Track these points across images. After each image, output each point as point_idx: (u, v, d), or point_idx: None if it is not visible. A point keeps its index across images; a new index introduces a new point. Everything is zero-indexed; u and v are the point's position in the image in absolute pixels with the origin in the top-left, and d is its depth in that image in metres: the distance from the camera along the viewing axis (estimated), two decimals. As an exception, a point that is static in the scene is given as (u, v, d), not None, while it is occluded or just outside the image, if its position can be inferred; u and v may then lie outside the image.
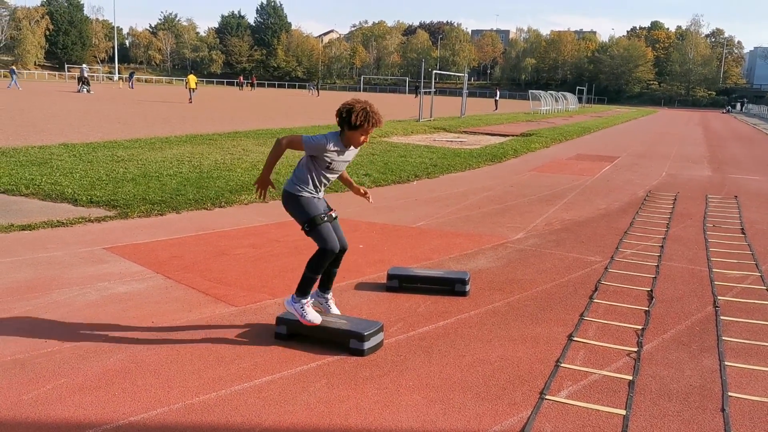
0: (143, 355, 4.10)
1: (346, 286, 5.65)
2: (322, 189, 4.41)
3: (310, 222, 4.26)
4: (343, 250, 4.49)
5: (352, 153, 4.39)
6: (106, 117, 23.89)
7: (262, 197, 4.42)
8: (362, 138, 4.25)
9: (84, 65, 56.16)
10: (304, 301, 4.34)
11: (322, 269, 4.33)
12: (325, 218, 4.28)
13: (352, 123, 4.15)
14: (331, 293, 4.67)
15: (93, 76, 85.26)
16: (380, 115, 4.26)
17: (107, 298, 5.12)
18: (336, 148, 4.23)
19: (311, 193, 4.32)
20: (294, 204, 4.32)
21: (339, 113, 4.21)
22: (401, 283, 5.57)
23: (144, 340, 4.32)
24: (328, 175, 4.34)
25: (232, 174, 11.26)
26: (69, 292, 5.22)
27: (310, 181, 4.30)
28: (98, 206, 8.32)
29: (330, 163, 4.26)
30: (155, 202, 8.59)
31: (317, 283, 4.53)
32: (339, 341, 4.30)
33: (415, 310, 5.15)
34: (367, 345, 4.22)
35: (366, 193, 4.75)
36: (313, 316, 4.32)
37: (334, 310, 4.66)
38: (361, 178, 11.52)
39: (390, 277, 5.60)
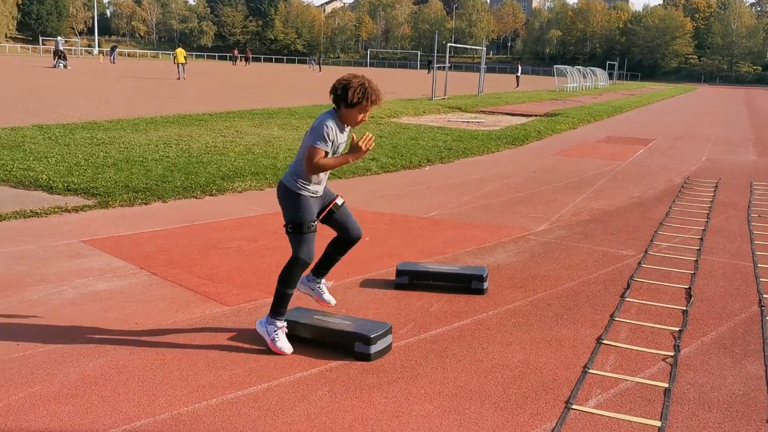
0: (126, 359, 4.10)
1: (350, 283, 5.64)
2: (324, 181, 4.38)
3: (296, 226, 4.23)
4: (356, 238, 4.52)
5: (347, 132, 4.37)
6: (85, 95, 23.93)
7: (370, 144, 4.16)
8: (360, 116, 4.21)
9: (59, 37, 56.03)
10: (279, 324, 4.30)
11: (295, 282, 4.29)
12: (313, 227, 4.26)
13: (348, 100, 4.11)
14: (324, 279, 4.66)
15: (70, 49, 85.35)
16: (379, 91, 4.22)
17: (86, 296, 5.13)
18: (337, 129, 4.21)
19: (312, 193, 4.28)
20: (289, 200, 4.26)
21: (334, 90, 4.17)
22: (412, 280, 5.56)
23: (126, 344, 4.33)
24: None
25: (225, 158, 11.26)
26: (43, 289, 5.23)
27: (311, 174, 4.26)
28: (76, 194, 8.34)
29: (336, 148, 4.24)
30: (139, 190, 8.60)
31: (311, 267, 4.48)
32: (343, 344, 4.29)
33: (427, 309, 5.14)
34: (373, 349, 4.21)
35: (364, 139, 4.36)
36: (284, 345, 4.27)
37: (328, 297, 4.65)
38: (368, 163, 11.50)
39: (399, 273, 5.59)
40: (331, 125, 4.14)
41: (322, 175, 4.30)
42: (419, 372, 4.09)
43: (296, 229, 4.22)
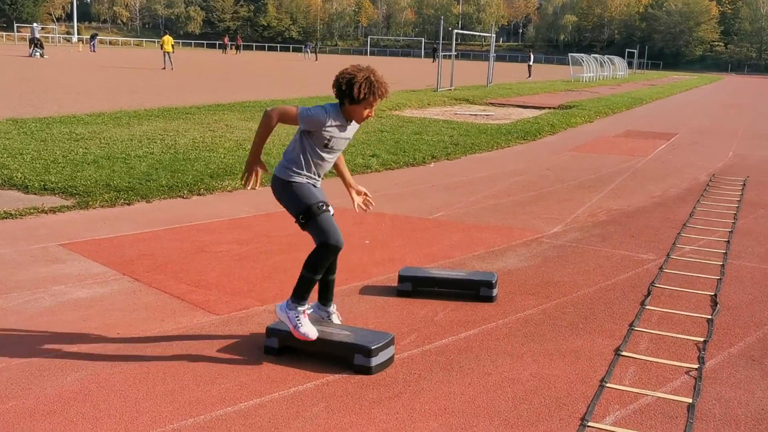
0: (107, 373, 4.10)
1: (349, 290, 5.64)
2: (320, 173, 4.38)
3: (307, 213, 4.23)
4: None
5: (353, 129, 4.38)
6: (63, 86, 23.95)
7: (249, 184, 4.29)
8: (366, 112, 4.24)
9: (35, 24, 56.16)
10: (301, 308, 4.30)
11: (323, 268, 4.30)
12: (324, 207, 4.27)
13: (354, 96, 4.12)
14: (333, 306, 4.67)
15: (47, 37, 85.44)
16: (386, 84, 4.23)
17: (64, 304, 5.13)
18: (336, 123, 4.22)
19: (306, 179, 4.30)
20: (286, 192, 4.29)
21: (337, 84, 4.18)
22: (415, 287, 5.56)
23: (107, 356, 4.33)
24: (325, 156, 4.31)
25: (214, 155, 11.26)
26: (18, 297, 5.23)
27: (304, 163, 4.27)
28: (53, 194, 8.34)
29: (328, 141, 4.24)
30: (121, 189, 8.60)
31: (315, 295, 4.51)
32: (341, 356, 4.29)
33: (432, 318, 5.14)
34: (375, 361, 4.21)
35: (366, 196, 4.73)
36: (309, 330, 4.27)
37: (339, 323, 4.65)
38: (368, 160, 11.51)
39: (402, 279, 5.58)
40: (329, 115, 4.17)
41: (318, 167, 4.32)
42: (423, 386, 4.09)
43: (308, 216, 4.23)
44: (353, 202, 4.74)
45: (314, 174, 4.33)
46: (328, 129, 4.19)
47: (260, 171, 4.29)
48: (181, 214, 7.86)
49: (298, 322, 4.28)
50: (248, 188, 4.30)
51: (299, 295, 4.31)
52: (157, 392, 3.89)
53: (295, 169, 4.27)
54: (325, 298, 4.61)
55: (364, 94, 4.12)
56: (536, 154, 13.81)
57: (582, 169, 12.12)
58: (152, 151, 11.28)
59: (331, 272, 4.55)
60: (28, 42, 49.37)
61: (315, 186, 4.35)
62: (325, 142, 4.24)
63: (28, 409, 3.66)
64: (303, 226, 4.28)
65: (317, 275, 4.31)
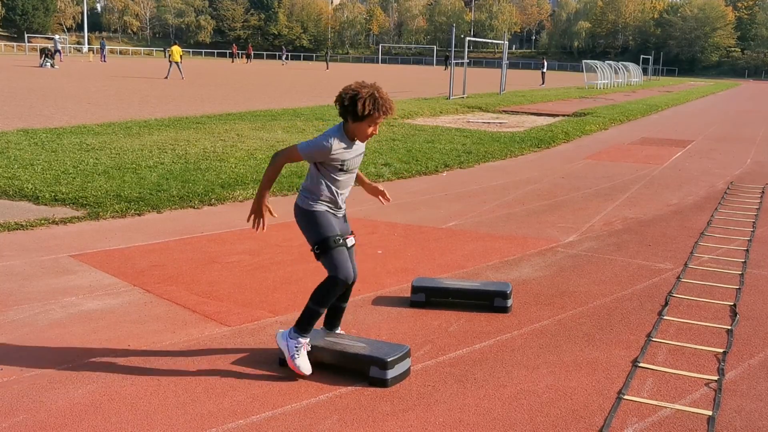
0: (118, 385, 4.11)
1: (361, 300, 5.63)
2: (341, 200, 4.37)
3: (322, 244, 4.23)
4: (354, 281, 4.46)
5: (361, 145, 4.37)
6: (74, 97, 24.09)
7: (258, 228, 4.31)
8: (370, 129, 4.22)
9: (57, 36, 56.55)
10: (302, 340, 4.28)
11: (329, 302, 4.30)
12: (341, 241, 4.27)
13: (358, 113, 4.10)
14: (339, 330, 4.67)
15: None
16: (391, 101, 4.21)
17: (74, 316, 5.15)
18: (342, 145, 4.19)
19: (327, 208, 4.30)
20: (306, 220, 4.29)
21: (340, 101, 4.16)
22: (429, 297, 5.56)
23: (119, 368, 4.33)
24: (343, 178, 4.30)
25: (225, 165, 11.30)
26: (29, 309, 5.25)
27: (323, 191, 4.27)
28: (64, 205, 8.38)
29: (342, 164, 4.23)
30: (132, 200, 8.64)
31: (321, 320, 4.50)
32: (356, 369, 4.28)
33: (446, 329, 5.13)
34: (391, 374, 4.19)
35: (383, 192, 4.71)
36: (303, 363, 4.26)
37: None
38: (380, 169, 11.51)
39: (415, 289, 5.58)
40: (332, 141, 4.14)
41: (337, 192, 4.31)
42: (437, 398, 4.08)
43: (323, 247, 4.22)
44: (376, 194, 4.68)
45: (335, 201, 4.33)
46: (335, 154, 4.16)
47: (267, 214, 4.29)
48: (192, 224, 7.88)
49: (296, 352, 4.26)
50: (256, 231, 4.31)
51: (302, 327, 4.29)
52: (169, 405, 3.89)
53: (314, 198, 4.28)
54: (332, 324, 4.62)
55: (369, 110, 4.09)
56: (550, 163, 13.79)
57: (597, 178, 12.09)
58: (163, 161, 11.32)
59: (344, 300, 4.57)
60: (43, 52, 49.77)
61: (336, 216, 4.35)
62: (339, 166, 4.22)
63: (39, 423, 3.67)
64: (317, 257, 4.27)
65: (323, 308, 4.29)
